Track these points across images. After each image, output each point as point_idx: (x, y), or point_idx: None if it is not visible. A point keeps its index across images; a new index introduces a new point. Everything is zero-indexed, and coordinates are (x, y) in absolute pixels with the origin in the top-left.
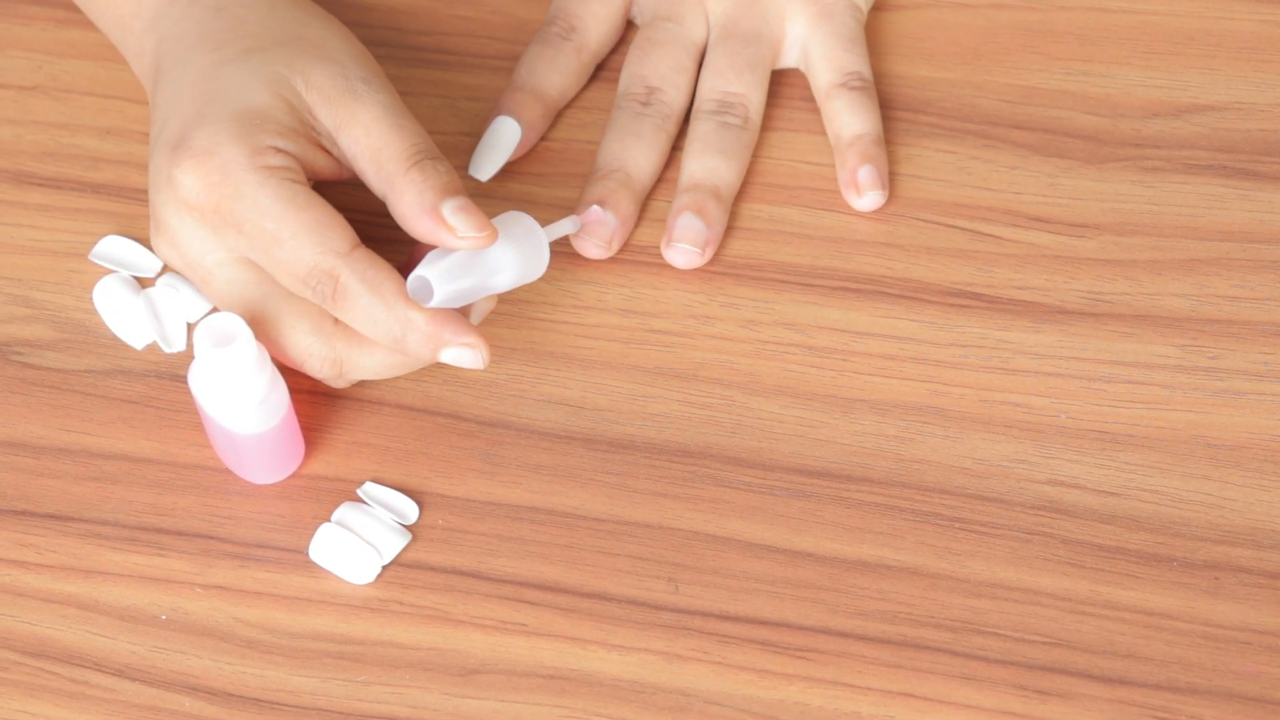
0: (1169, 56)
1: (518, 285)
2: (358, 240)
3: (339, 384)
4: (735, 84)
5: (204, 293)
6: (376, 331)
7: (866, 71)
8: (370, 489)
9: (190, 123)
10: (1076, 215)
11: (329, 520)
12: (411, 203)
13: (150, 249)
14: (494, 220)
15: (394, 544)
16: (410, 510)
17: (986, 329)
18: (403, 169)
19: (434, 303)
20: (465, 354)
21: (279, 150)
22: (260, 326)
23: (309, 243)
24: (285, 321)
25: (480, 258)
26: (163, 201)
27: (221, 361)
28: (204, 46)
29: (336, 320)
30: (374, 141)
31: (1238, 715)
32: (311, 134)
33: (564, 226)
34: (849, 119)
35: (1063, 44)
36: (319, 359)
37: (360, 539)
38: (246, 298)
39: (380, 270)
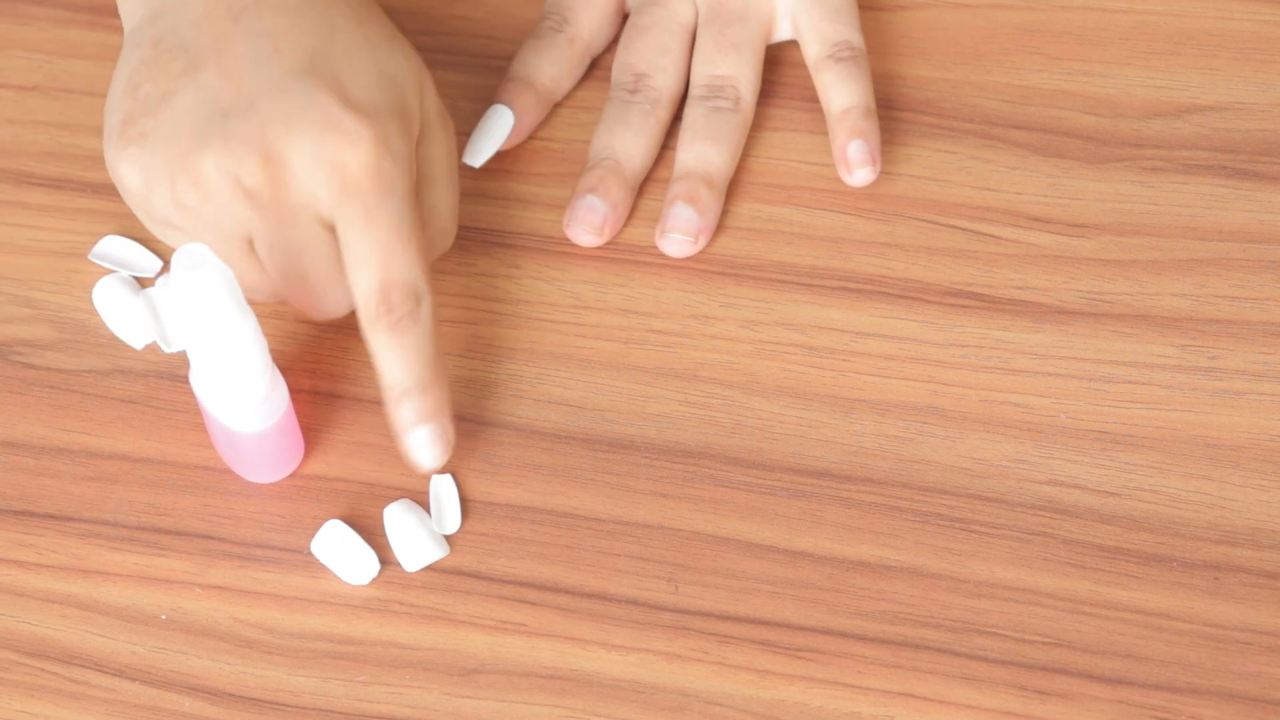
0: (1169, 56)
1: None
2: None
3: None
4: (722, 66)
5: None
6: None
7: (856, 40)
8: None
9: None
10: (1076, 215)
11: (337, 518)
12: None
13: (149, 249)
14: None
15: (430, 553)
16: (451, 520)
17: (986, 329)
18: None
19: None
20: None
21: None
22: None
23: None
24: (232, 236)
25: None
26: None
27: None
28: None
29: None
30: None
31: (1238, 715)
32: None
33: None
34: (836, 92)
35: (1062, 44)
36: (253, 274)
37: (360, 542)
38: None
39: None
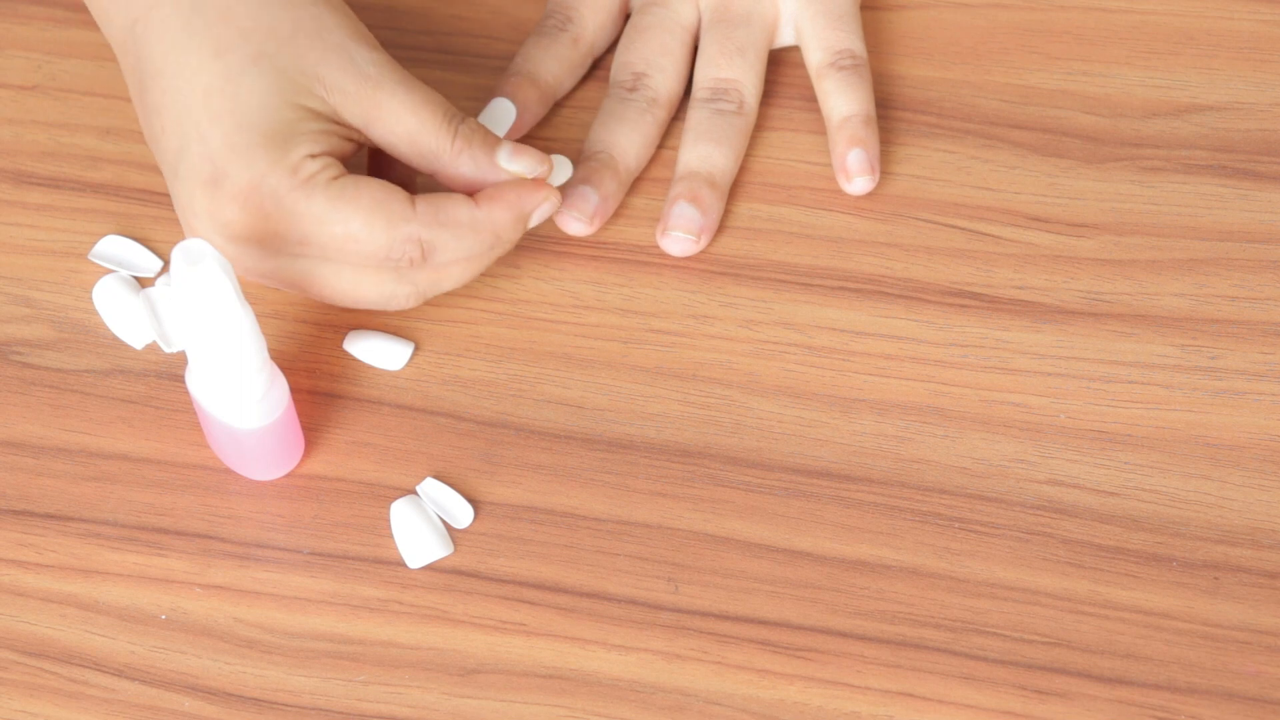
0: (1168, 56)
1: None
2: (412, 191)
3: (414, 303)
4: (727, 69)
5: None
6: (470, 252)
7: (858, 48)
8: (430, 487)
9: (220, 154)
10: (1076, 215)
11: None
12: (470, 172)
13: (149, 249)
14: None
15: (435, 550)
16: (464, 515)
17: (986, 329)
18: (446, 145)
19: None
20: (545, 209)
21: (314, 156)
22: (336, 293)
23: (379, 223)
24: (365, 282)
25: None
26: (207, 233)
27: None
28: (197, 48)
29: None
30: (407, 128)
31: (1237, 715)
32: (339, 131)
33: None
34: (838, 100)
35: (1062, 44)
36: (404, 297)
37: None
38: (320, 276)
39: (448, 203)
